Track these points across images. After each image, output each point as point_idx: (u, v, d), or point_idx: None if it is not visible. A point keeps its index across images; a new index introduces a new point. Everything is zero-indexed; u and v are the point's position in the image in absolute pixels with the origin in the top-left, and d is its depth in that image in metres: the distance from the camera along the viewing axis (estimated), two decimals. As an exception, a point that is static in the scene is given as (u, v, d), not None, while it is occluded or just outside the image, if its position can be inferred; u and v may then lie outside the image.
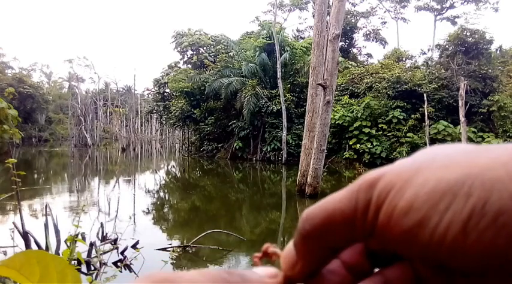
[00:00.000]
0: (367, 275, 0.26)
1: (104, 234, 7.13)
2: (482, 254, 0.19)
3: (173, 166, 28.12)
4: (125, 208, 10.74)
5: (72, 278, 0.36)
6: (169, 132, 58.95)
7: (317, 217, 0.24)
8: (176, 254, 6.74)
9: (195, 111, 28.18)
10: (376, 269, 0.26)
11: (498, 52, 25.50)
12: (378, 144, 20.67)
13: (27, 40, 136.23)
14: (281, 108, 23.05)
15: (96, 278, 5.21)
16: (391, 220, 0.22)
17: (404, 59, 28.29)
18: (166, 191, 16.34)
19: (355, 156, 21.09)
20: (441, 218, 0.20)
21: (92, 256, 6.08)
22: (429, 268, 0.22)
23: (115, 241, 6.89)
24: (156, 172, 23.12)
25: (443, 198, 0.20)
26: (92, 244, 6.13)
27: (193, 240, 7.27)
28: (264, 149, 24.83)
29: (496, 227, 0.18)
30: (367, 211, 0.23)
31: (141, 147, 49.13)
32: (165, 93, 39.97)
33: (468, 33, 21.30)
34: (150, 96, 52.54)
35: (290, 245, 0.26)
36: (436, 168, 0.21)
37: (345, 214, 0.23)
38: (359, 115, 21.22)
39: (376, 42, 37.97)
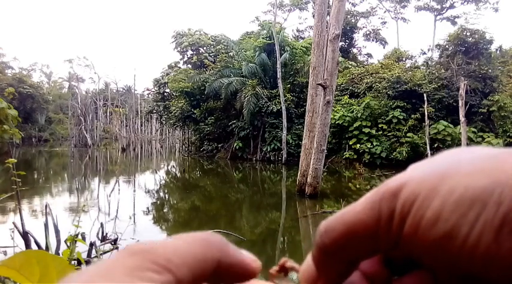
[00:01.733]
0: (386, 283, 0.25)
1: (104, 234, 7.14)
2: None
3: (173, 166, 28.10)
4: (124, 208, 10.72)
5: (72, 278, 0.37)
6: (169, 132, 58.93)
7: (336, 229, 0.23)
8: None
9: (195, 111, 28.16)
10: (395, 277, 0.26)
11: (498, 52, 25.48)
12: (378, 144, 20.66)
13: (27, 40, 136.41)
14: (281, 108, 23.03)
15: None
16: (418, 231, 0.21)
17: (404, 59, 28.27)
18: (166, 191, 16.34)
19: (355, 156, 21.08)
20: (472, 227, 0.19)
21: (92, 256, 6.07)
22: (454, 278, 0.22)
23: (115, 241, 6.90)
24: (156, 172, 23.10)
25: (472, 206, 0.20)
26: (92, 244, 6.13)
27: (193, 240, 7.26)
28: (264, 149, 24.81)
29: None
30: (391, 222, 0.22)
31: (141, 147, 49.10)
32: (165, 93, 39.95)
33: (468, 33, 21.29)
34: (150, 96, 52.55)
35: (308, 260, 0.25)
36: (462, 176, 0.21)
37: (367, 225, 0.22)
38: (359, 115, 21.22)
39: (376, 42, 37.97)
